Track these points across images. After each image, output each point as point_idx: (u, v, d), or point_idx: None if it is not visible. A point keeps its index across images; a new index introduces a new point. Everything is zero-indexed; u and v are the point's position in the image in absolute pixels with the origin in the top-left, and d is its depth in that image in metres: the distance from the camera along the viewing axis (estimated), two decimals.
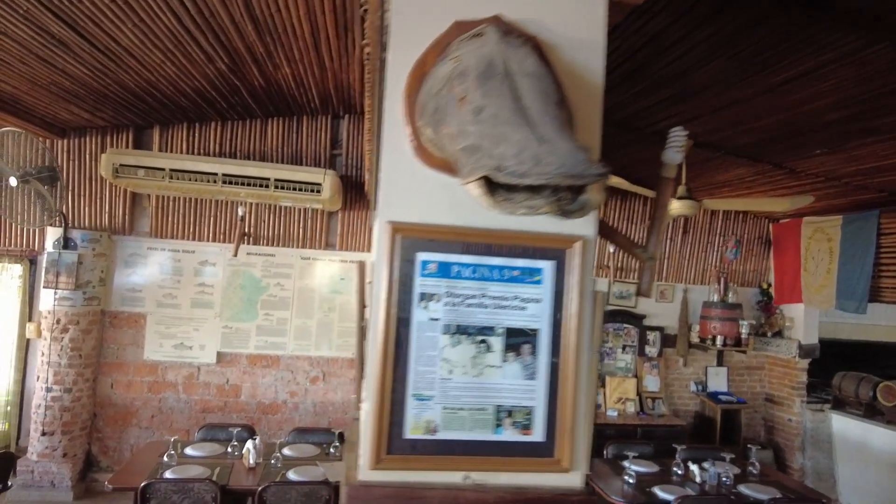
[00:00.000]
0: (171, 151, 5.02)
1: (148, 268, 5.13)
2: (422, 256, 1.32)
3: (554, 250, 1.37)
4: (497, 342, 1.35)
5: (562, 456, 1.37)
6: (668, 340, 6.56)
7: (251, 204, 5.29)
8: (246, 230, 5.29)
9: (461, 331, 1.33)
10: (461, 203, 1.35)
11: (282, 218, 5.45)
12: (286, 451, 4.07)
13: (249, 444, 3.89)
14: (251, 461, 3.83)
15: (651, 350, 6.53)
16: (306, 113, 5.26)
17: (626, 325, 6.50)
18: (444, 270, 1.33)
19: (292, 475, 3.71)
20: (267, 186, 4.72)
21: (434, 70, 1.27)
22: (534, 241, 1.36)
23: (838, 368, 6.32)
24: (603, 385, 6.24)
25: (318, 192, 4.88)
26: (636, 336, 6.50)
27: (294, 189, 4.80)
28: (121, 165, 4.39)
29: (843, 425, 6.13)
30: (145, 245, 5.12)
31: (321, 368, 5.57)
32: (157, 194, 4.96)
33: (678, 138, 1.52)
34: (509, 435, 1.36)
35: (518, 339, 1.36)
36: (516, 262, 1.36)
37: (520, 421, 1.36)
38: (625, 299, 6.48)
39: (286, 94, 4.59)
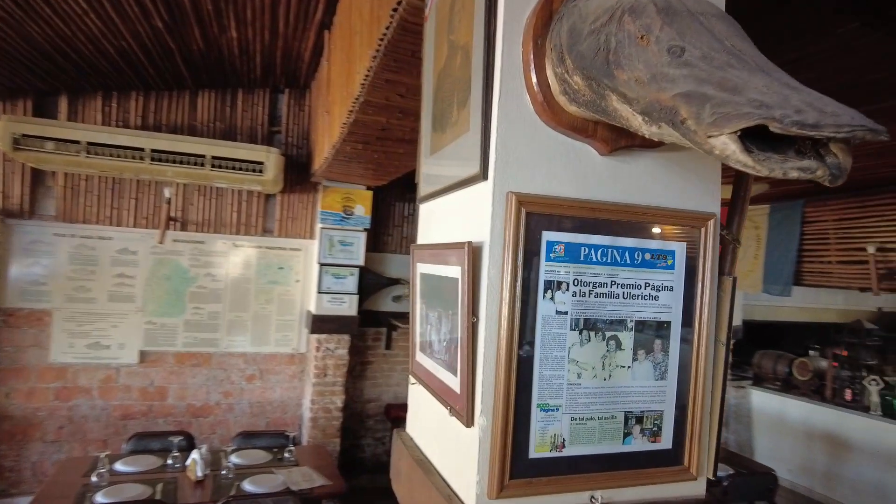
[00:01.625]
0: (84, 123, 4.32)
1: (54, 257, 4.39)
2: (548, 236, 1.08)
3: (687, 230, 1.19)
4: (627, 338, 1.15)
5: (690, 462, 1.20)
6: None
7: (179, 185, 4.69)
8: (172, 214, 4.69)
9: (589, 326, 1.12)
10: (587, 172, 1.12)
11: (213, 201, 4.90)
12: (234, 458, 3.65)
13: (195, 454, 3.44)
14: (198, 473, 3.38)
15: None
16: (243, 85, 4.74)
17: None
18: (571, 253, 1.10)
19: (249, 486, 3.32)
20: (202, 165, 4.19)
21: (573, 7, 1.03)
22: (667, 218, 1.17)
23: (758, 348, 6.78)
24: None
25: (260, 172, 4.42)
26: None
27: (233, 168, 4.31)
28: (23, 136, 3.69)
29: (762, 400, 6.58)
30: (50, 231, 4.38)
31: (258, 366, 5.11)
32: (66, 172, 4.24)
33: None
34: (638, 444, 1.16)
35: (649, 334, 1.16)
36: (649, 244, 1.16)
37: (649, 428, 1.17)
38: None
39: (226, 63, 4.08)
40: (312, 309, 5.01)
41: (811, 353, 7.04)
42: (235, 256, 5.02)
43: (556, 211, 1.08)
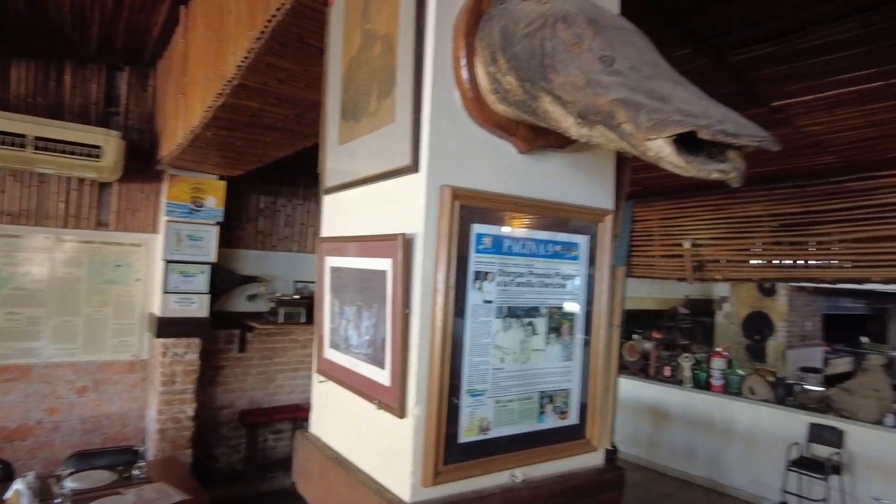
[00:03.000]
0: None
1: None
2: (477, 229, 1.12)
3: (588, 224, 1.31)
4: (542, 324, 1.23)
5: (592, 435, 1.32)
6: None
7: None
8: None
9: (511, 313, 1.18)
10: (509, 169, 1.19)
11: (34, 189, 4.23)
12: (69, 483, 3.20)
13: (18, 484, 2.96)
14: None
15: None
16: (73, 58, 4.15)
17: None
18: (497, 245, 1.16)
19: None
20: (21, 146, 3.60)
21: (502, 9, 1.08)
22: (573, 213, 1.27)
23: None
24: None
25: (97, 157, 3.93)
26: None
27: (62, 152, 3.76)
28: None
29: None
30: None
31: (92, 376, 4.53)
32: None
33: None
34: (551, 421, 1.26)
35: (559, 319, 1.26)
36: (558, 236, 1.25)
37: (559, 406, 1.27)
38: None
39: (54, 28, 3.54)
40: (157, 311, 4.55)
41: (635, 336, 8.01)
42: (62, 253, 4.38)
43: (484, 204, 1.13)
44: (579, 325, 1.30)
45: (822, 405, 5.40)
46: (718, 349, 6.49)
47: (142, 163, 4.58)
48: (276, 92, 2.50)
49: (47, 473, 3.49)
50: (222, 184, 4.73)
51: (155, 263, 4.75)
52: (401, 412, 1.08)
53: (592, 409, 1.32)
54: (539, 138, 1.20)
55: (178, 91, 3.48)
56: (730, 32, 2.68)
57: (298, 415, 5.41)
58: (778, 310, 9.05)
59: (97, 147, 3.90)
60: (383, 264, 1.14)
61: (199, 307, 4.65)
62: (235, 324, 5.33)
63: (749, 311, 9.34)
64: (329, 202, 1.48)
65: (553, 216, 1.24)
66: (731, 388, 6.06)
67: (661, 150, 0.84)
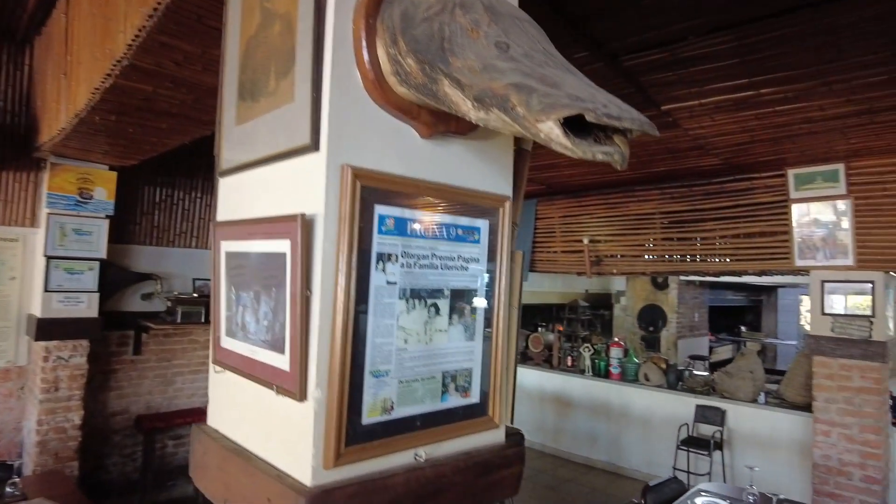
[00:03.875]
0: None
1: None
2: (380, 210, 1.13)
3: (488, 209, 1.35)
4: (444, 305, 1.26)
5: (493, 413, 1.37)
6: None
7: None
8: None
9: (415, 294, 1.20)
10: (411, 152, 1.20)
11: None
12: None
13: None
14: None
15: None
16: None
17: None
18: (400, 227, 1.17)
19: None
20: None
21: None
22: (474, 198, 1.31)
23: None
24: None
25: None
26: None
27: None
28: None
29: None
30: None
31: None
32: None
33: None
34: (453, 401, 1.29)
35: (460, 301, 1.29)
36: (460, 220, 1.28)
37: (462, 384, 1.30)
38: None
39: None
40: (37, 311, 4.16)
41: (539, 329, 8.31)
42: None
43: (386, 186, 1.14)
44: (480, 306, 1.34)
45: (707, 388, 5.88)
46: (616, 340, 6.89)
47: (16, 149, 4.17)
48: (172, 74, 2.36)
49: None
50: (113, 174, 4.40)
51: (34, 260, 4.34)
52: (301, 395, 1.06)
53: (494, 387, 1.36)
54: (440, 123, 1.22)
55: (60, 71, 3.20)
56: (625, 38, 2.86)
57: (200, 419, 5.12)
58: (669, 302, 9.75)
59: None
60: (282, 246, 1.12)
61: (87, 306, 4.30)
62: (129, 324, 4.98)
63: (644, 304, 10.00)
64: (225, 185, 1.42)
65: (455, 200, 1.27)
66: (628, 376, 6.46)
67: (551, 131, 0.88)
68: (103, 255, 4.39)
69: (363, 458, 1.11)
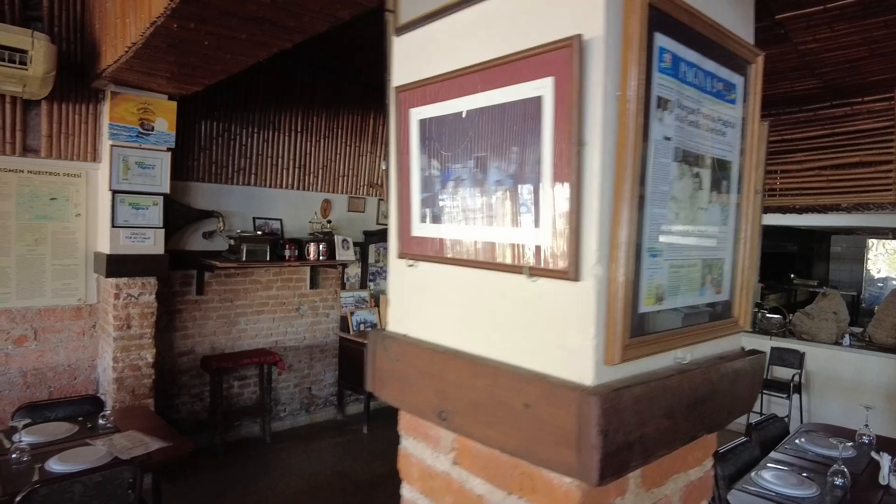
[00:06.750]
0: None
1: None
2: (660, 41, 0.87)
3: (743, 64, 1.08)
4: (706, 176, 1.01)
5: (739, 313, 1.14)
6: None
7: None
8: None
9: (684, 157, 0.95)
10: None
11: None
12: (25, 437, 2.80)
13: None
14: None
15: None
16: None
17: None
18: (675, 67, 0.91)
19: (58, 465, 2.61)
20: None
21: None
22: (735, 45, 1.04)
23: None
24: (377, 304, 6.12)
25: (23, 64, 3.34)
26: None
27: None
28: None
29: None
30: None
31: (30, 324, 4.02)
32: None
33: None
34: (709, 295, 1.06)
35: (718, 174, 1.05)
36: (720, 72, 1.02)
37: (715, 277, 1.07)
38: None
39: None
40: (106, 248, 4.03)
41: None
42: None
43: (667, 8, 0.87)
44: (734, 183, 1.09)
45: (784, 330, 5.61)
46: None
47: (74, 79, 3.97)
48: None
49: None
50: (173, 104, 4.18)
51: (98, 195, 4.19)
52: (574, 274, 0.84)
53: (741, 283, 1.13)
54: None
55: None
56: None
57: (265, 359, 5.08)
58: None
59: (23, 52, 3.29)
60: (537, 88, 0.87)
61: (153, 243, 4.16)
62: (191, 263, 4.87)
63: None
64: (407, 42, 1.17)
65: (720, 42, 1.00)
66: None
67: None
68: (167, 189, 4.22)
69: (640, 355, 0.89)
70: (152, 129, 4.11)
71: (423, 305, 1.14)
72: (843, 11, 3.26)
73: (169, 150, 4.22)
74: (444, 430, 1.08)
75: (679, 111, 0.93)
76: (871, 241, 9.83)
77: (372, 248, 6.20)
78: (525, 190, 0.91)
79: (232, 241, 4.88)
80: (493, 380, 0.93)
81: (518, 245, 0.92)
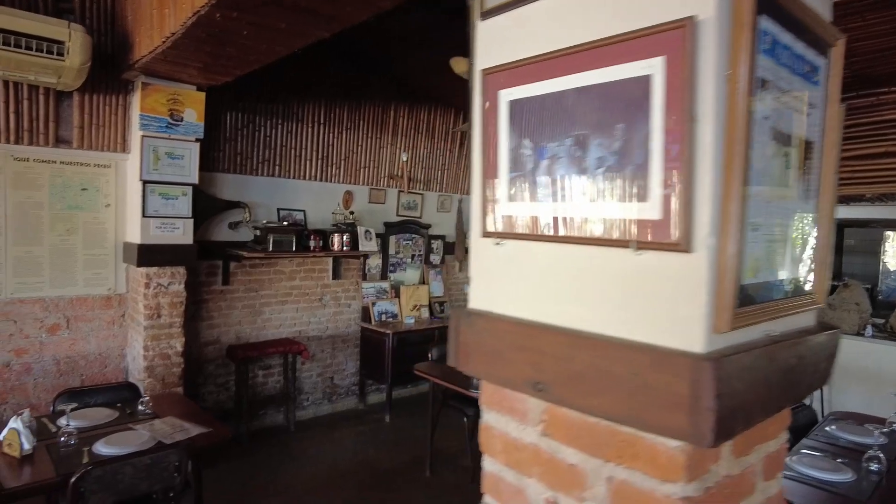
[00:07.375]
0: None
1: None
2: (764, 24, 0.90)
3: (826, 46, 1.11)
4: (794, 156, 1.05)
5: (817, 290, 1.17)
6: (448, 248, 6.81)
7: None
8: None
9: (777, 136, 0.99)
10: None
11: None
12: (71, 420, 2.85)
13: (16, 422, 2.62)
14: (24, 446, 2.59)
15: (435, 258, 6.69)
16: None
17: (414, 236, 6.47)
18: (773, 49, 0.94)
19: (105, 448, 2.67)
20: None
21: None
22: (822, 27, 1.07)
23: None
24: (398, 295, 6.16)
25: (60, 55, 3.37)
26: (423, 246, 6.56)
27: (18, 46, 3.20)
28: None
29: None
30: None
31: (62, 313, 4.08)
32: None
33: None
34: (793, 271, 1.09)
35: (803, 153, 1.08)
36: (808, 53, 1.05)
37: (798, 253, 1.10)
38: (412, 210, 6.42)
39: None
40: (137, 238, 4.08)
41: None
42: (16, 173, 3.81)
43: None
44: (816, 164, 1.12)
45: None
46: None
47: (104, 70, 4.01)
48: None
49: (37, 415, 3.10)
50: (202, 95, 4.22)
51: (128, 186, 4.25)
52: (686, 246, 0.87)
53: (819, 260, 1.16)
54: None
55: None
56: None
57: (290, 348, 5.14)
58: None
59: (59, 43, 3.33)
60: (644, 67, 0.91)
61: (182, 233, 4.21)
62: (217, 254, 4.92)
63: None
64: (494, 26, 1.20)
65: (811, 25, 1.03)
66: None
67: None
68: (195, 180, 4.27)
69: (744, 324, 0.92)
70: (181, 120, 4.15)
71: (511, 282, 1.18)
72: (877, 1, 3.26)
73: (197, 140, 4.26)
74: (532, 403, 1.11)
75: (776, 93, 0.96)
76: (889, 234, 9.80)
77: (392, 239, 6.24)
78: (631, 166, 0.94)
79: (258, 232, 4.93)
80: (595, 351, 0.97)
81: (623, 220, 0.96)
